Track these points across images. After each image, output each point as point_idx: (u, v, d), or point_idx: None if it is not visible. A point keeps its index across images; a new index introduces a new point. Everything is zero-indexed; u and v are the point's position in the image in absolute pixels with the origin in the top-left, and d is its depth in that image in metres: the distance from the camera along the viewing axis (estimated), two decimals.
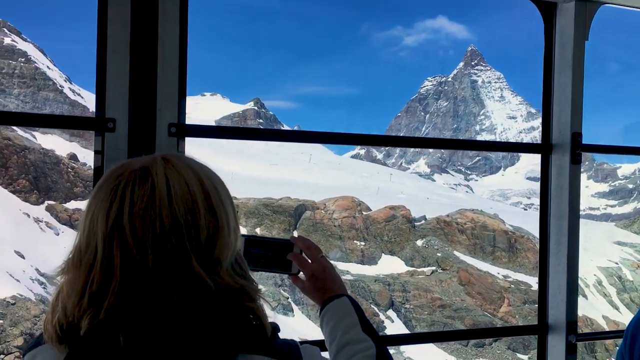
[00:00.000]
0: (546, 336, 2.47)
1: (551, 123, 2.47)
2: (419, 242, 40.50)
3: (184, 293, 0.95)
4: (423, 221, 42.72)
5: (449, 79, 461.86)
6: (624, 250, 46.95)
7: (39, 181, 36.73)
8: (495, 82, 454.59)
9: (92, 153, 1.82)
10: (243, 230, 1.39)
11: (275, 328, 1.08)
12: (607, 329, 36.46)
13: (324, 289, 1.39)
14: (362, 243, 40.31)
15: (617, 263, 44.23)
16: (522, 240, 41.98)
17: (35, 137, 39.79)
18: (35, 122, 2.02)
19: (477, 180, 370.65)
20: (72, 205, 36.32)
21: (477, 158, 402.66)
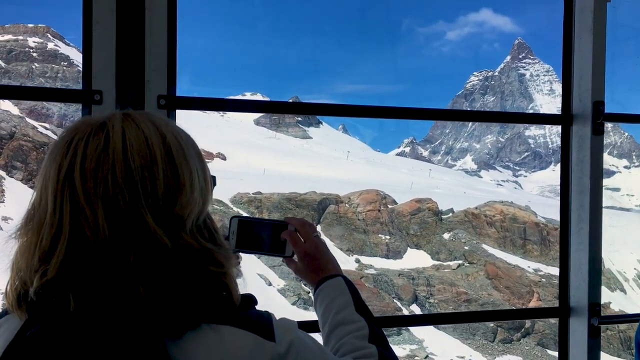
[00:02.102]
0: (568, 319, 2.36)
1: (571, 92, 2.35)
2: (446, 236, 39.44)
3: (139, 252, 0.90)
4: (450, 214, 41.56)
5: (496, 74, 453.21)
6: None
7: None
8: (544, 75, 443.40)
9: None
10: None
11: (251, 299, 1.02)
12: None
13: (318, 269, 1.34)
14: (387, 237, 39.56)
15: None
16: (555, 232, 40.22)
17: (55, 134, 40.71)
18: (20, 94, 1.90)
19: (526, 177, 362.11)
20: None
21: (526, 154, 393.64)
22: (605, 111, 2.31)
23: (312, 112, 2.30)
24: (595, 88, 2.28)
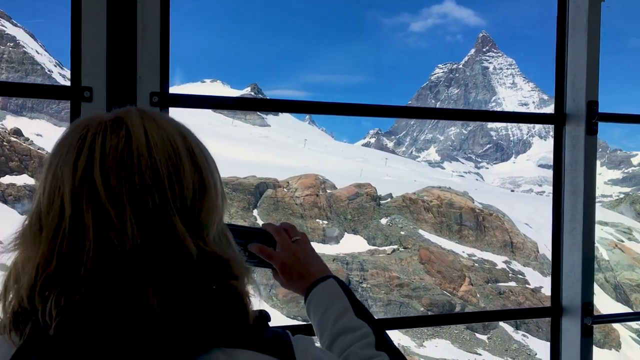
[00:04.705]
0: (560, 318, 2.36)
1: (565, 91, 2.34)
2: (383, 221, 39.31)
3: (164, 263, 0.81)
4: (389, 199, 41.43)
5: (460, 66, 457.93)
6: (604, 230, 45.53)
7: None
8: (507, 69, 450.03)
9: None
10: None
11: (265, 316, 0.92)
12: None
13: (302, 277, 1.23)
14: (325, 222, 39.19)
15: (595, 243, 42.74)
16: (491, 218, 40.52)
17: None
18: (6, 91, 1.76)
19: (487, 168, 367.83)
20: (5, 180, 35.49)
21: (488, 145, 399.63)
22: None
23: (309, 110, 2.14)
24: (590, 88, 2.27)
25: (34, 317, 0.80)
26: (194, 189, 0.86)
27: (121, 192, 0.80)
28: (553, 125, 2.39)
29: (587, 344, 2.30)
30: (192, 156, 0.88)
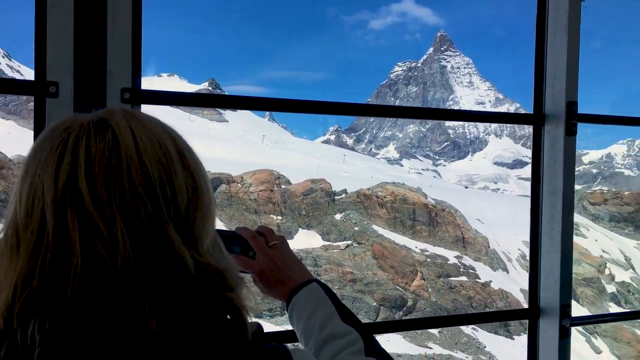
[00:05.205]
0: (537, 320, 2.34)
1: (544, 91, 2.33)
2: (338, 216, 39.33)
3: (159, 278, 0.74)
4: (343, 195, 41.50)
5: (419, 65, 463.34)
6: None
7: None
8: (465, 68, 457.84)
9: (30, 134, 1.52)
10: None
11: (259, 329, 0.89)
12: (523, 302, 36.02)
13: (282, 282, 1.17)
14: (279, 217, 38.97)
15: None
16: (443, 213, 41.05)
17: None
18: None
19: (445, 166, 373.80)
20: None
21: (446, 143, 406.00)
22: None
23: (287, 109, 2.05)
24: (569, 88, 2.26)
25: (10, 339, 0.72)
26: (187, 196, 0.79)
27: (110, 201, 0.72)
28: (532, 126, 2.36)
29: (564, 345, 2.29)
30: (184, 159, 0.81)
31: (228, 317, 0.81)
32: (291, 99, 2.05)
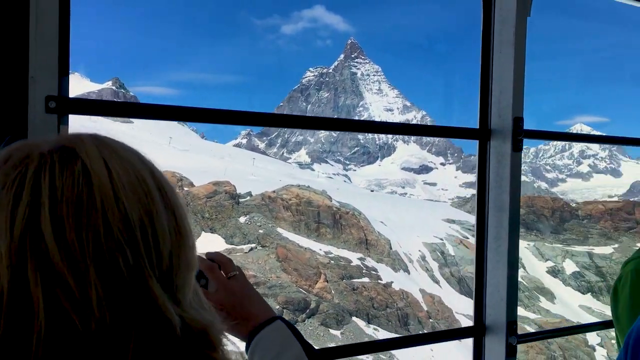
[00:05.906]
0: (483, 338, 2.29)
1: (489, 107, 2.30)
2: (242, 219, 38.84)
3: (141, 340, 0.64)
4: (248, 197, 41.06)
5: (330, 71, 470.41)
6: (451, 227, 48.62)
7: None
8: (374, 75, 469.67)
9: None
10: None
11: None
12: (422, 302, 37.12)
13: (243, 319, 1.08)
14: None
15: (442, 239, 45.59)
16: (347, 216, 41.64)
17: None
18: None
19: (355, 170, 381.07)
20: None
21: (356, 148, 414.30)
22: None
23: (234, 122, 1.87)
24: (516, 104, 2.24)
25: None
26: (170, 240, 0.68)
27: (83, 250, 0.60)
28: (477, 141, 2.32)
29: None
30: (164, 196, 0.69)
31: None
32: (221, 109, 1.88)
